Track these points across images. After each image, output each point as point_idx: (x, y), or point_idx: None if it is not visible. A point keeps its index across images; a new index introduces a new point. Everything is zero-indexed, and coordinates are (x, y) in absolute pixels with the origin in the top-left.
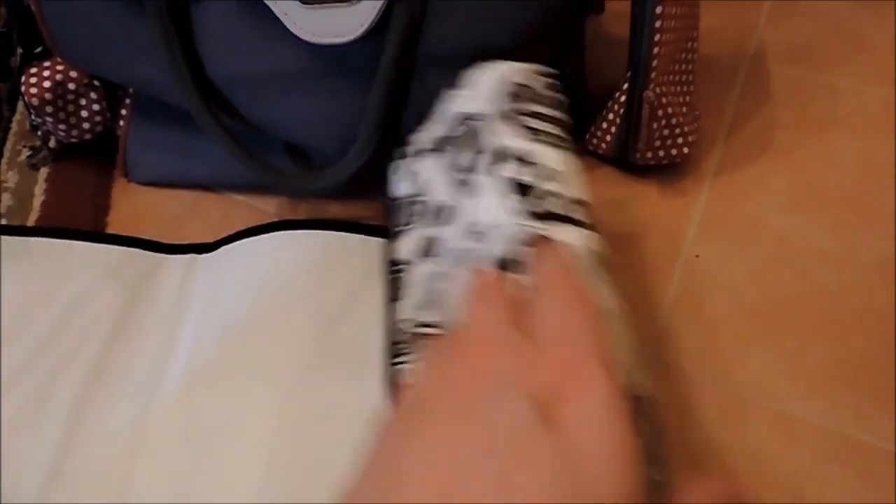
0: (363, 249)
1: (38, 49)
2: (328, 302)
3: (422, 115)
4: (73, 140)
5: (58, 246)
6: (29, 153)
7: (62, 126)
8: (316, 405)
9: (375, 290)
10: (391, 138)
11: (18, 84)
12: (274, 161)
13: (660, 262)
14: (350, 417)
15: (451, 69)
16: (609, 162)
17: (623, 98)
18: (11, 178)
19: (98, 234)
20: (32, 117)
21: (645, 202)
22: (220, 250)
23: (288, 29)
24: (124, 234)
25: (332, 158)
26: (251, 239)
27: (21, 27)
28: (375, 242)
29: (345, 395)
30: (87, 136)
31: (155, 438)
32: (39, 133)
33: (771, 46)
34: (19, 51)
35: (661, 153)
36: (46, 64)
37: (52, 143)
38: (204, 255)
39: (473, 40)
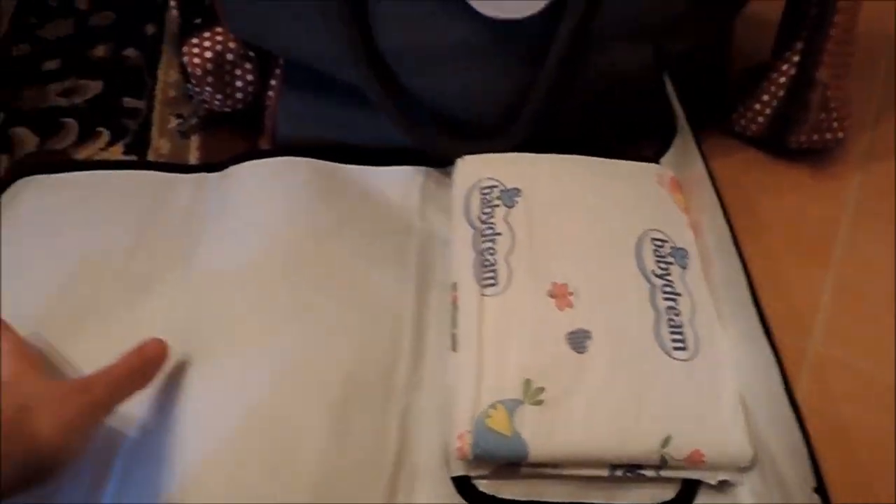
0: (353, 176)
1: (198, 20)
2: (321, 219)
3: (585, 94)
4: (227, 109)
5: (82, 178)
6: (179, 121)
7: (219, 95)
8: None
9: (367, 212)
10: (556, 117)
11: (160, 55)
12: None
13: (816, 247)
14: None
15: (625, 46)
16: (754, 144)
17: (783, 80)
18: (164, 146)
19: (116, 163)
20: (191, 86)
21: (799, 187)
22: (227, 170)
23: (463, 2)
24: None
25: (481, 132)
26: (254, 161)
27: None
28: (368, 170)
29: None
30: (240, 106)
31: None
32: (193, 102)
33: None
34: (178, 22)
35: (816, 137)
36: (207, 34)
37: (200, 112)
38: (212, 174)
39: (647, 15)
